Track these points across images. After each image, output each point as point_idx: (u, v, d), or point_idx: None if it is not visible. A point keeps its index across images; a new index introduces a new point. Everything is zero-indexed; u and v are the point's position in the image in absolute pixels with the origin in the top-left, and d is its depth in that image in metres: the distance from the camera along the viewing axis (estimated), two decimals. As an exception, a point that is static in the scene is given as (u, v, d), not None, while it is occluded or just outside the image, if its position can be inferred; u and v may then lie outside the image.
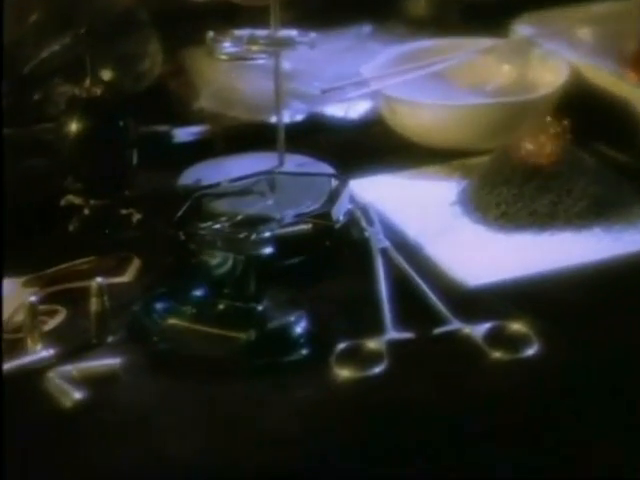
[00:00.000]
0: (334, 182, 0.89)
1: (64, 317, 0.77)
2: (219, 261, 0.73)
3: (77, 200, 0.94)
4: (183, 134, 1.10)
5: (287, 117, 1.07)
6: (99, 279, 0.74)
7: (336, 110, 1.10)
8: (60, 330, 0.76)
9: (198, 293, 0.75)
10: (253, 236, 0.75)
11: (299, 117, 1.09)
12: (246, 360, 0.70)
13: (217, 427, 0.65)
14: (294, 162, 1.03)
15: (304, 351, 0.71)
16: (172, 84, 1.20)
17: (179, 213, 0.83)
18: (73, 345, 0.74)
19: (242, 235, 0.74)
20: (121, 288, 0.81)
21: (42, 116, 1.13)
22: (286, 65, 1.06)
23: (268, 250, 0.72)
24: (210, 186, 0.89)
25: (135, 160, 0.92)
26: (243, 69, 1.15)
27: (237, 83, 1.14)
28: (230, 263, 0.73)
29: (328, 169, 1.02)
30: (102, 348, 0.74)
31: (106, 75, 1.13)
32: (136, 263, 0.85)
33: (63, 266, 0.85)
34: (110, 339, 0.74)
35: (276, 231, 0.81)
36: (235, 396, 0.68)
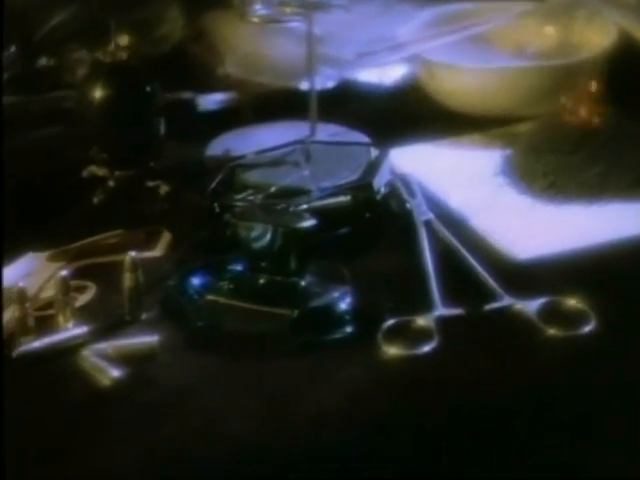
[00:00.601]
0: (373, 152, 0.89)
1: (94, 293, 0.77)
2: (258, 234, 0.72)
3: (100, 171, 0.94)
4: (208, 102, 1.09)
5: (318, 84, 1.06)
6: (133, 253, 0.74)
7: (369, 76, 1.09)
8: (90, 306, 0.75)
9: (236, 268, 0.75)
10: (294, 208, 0.75)
11: (330, 84, 1.08)
12: (290, 337, 0.69)
13: (263, 406, 0.64)
14: (327, 131, 1.01)
15: (350, 328, 0.70)
16: (193, 49, 1.19)
17: (213, 184, 0.83)
18: (105, 322, 0.73)
19: (283, 207, 0.74)
20: (152, 263, 0.80)
21: (57, 83, 1.13)
22: (316, 29, 1.05)
23: (310, 222, 0.71)
24: (243, 156, 0.88)
25: (163, 129, 0.92)
26: (270, 33, 1.14)
27: (264, 48, 1.13)
28: (270, 236, 0.71)
29: (363, 138, 1.01)
30: (136, 325, 0.73)
31: (122, 40, 1.12)
32: (166, 237, 0.84)
33: (89, 240, 0.84)
34: (144, 316, 0.74)
35: (315, 203, 0.81)
36: (280, 374, 0.67)
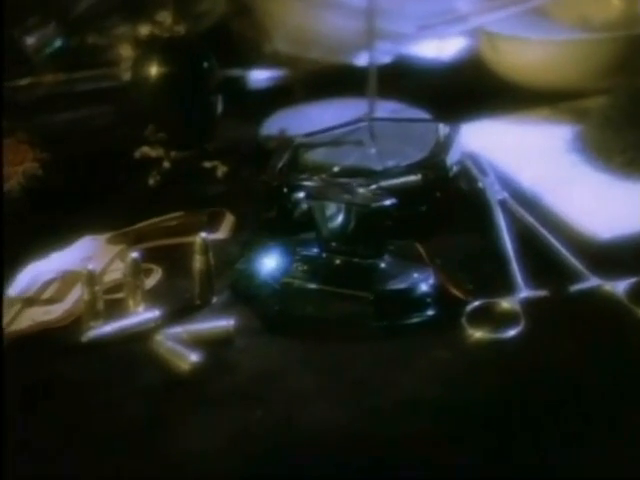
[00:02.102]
0: (442, 129, 0.90)
1: (160, 276, 0.78)
2: (334, 214, 0.73)
3: (154, 152, 0.95)
4: (257, 79, 1.11)
5: (372, 59, 1.07)
6: (203, 234, 0.75)
7: (428, 50, 1.10)
8: (157, 290, 0.76)
9: (308, 249, 0.76)
10: (371, 187, 0.75)
11: (387, 59, 1.08)
12: (371, 321, 0.70)
13: (350, 391, 0.65)
14: (385, 108, 1.02)
15: (433, 310, 0.71)
16: (237, 25, 1.20)
17: (280, 164, 0.83)
18: (175, 306, 0.74)
19: (358, 185, 0.75)
20: (216, 245, 0.80)
21: (99, 61, 1.14)
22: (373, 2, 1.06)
23: (390, 201, 0.72)
24: (305, 135, 0.89)
25: (220, 107, 0.93)
26: (319, 7, 1.15)
27: (314, 23, 1.14)
28: (347, 216, 0.73)
29: (423, 115, 1.02)
30: (207, 309, 0.74)
31: (162, 16, 1.13)
32: (229, 219, 0.85)
33: (149, 222, 0.86)
34: (215, 300, 0.75)
35: (386, 182, 0.82)
36: (364, 358, 0.68)
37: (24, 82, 1.09)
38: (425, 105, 1.02)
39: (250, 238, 0.82)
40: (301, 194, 0.78)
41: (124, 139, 1.00)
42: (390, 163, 0.87)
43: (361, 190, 0.74)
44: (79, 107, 1.08)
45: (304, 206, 0.80)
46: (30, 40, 1.08)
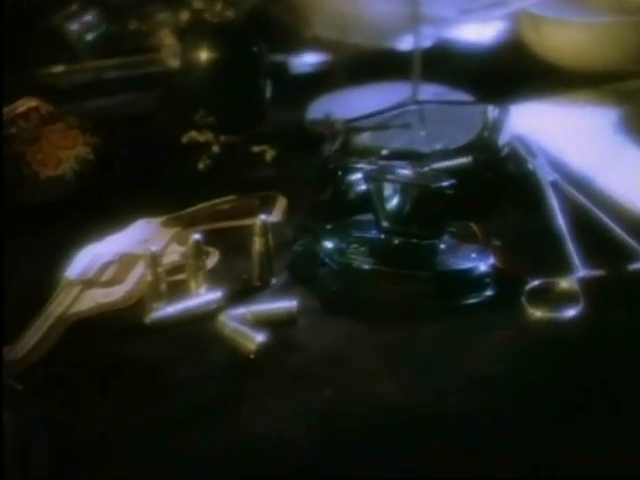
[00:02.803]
0: (491, 111, 0.90)
1: (217, 258, 0.78)
2: (392, 195, 0.73)
3: (202, 137, 0.95)
4: (298, 64, 1.11)
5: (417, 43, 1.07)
6: (263, 217, 0.75)
7: (469, 34, 1.10)
8: (216, 272, 0.76)
9: (365, 230, 0.77)
10: (427, 168, 0.76)
11: (429, 43, 1.09)
12: (431, 300, 0.71)
13: (412, 368, 0.66)
14: (428, 92, 1.03)
15: (492, 290, 0.71)
16: (274, 11, 1.21)
17: (335, 147, 0.84)
18: (234, 288, 0.74)
19: (415, 166, 0.75)
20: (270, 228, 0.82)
21: (139, 47, 1.14)
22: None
23: (449, 181, 0.72)
24: (355, 119, 0.89)
25: (269, 92, 0.93)
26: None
27: (354, 8, 1.14)
28: (405, 196, 0.73)
29: (466, 98, 1.02)
30: (267, 291, 0.75)
31: (196, 3, 1.13)
32: (282, 202, 0.85)
33: (203, 206, 0.86)
34: (274, 281, 0.76)
35: (437, 164, 0.82)
36: (426, 337, 0.68)
37: (66, 68, 1.10)
38: (467, 88, 1.02)
39: (305, 220, 0.83)
40: (358, 176, 0.79)
41: (169, 124, 1.01)
42: (438, 146, 0.87)
43: (419, 171, 0.74)
44: (121, 93, 1.09)
45: (359, 188, 0.81)
46: (73, 26, 1.09)
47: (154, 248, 0.73)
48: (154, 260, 0.72)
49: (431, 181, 0.73)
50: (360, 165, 0.79)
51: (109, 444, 0.61)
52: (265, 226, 0.75)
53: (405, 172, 0.75)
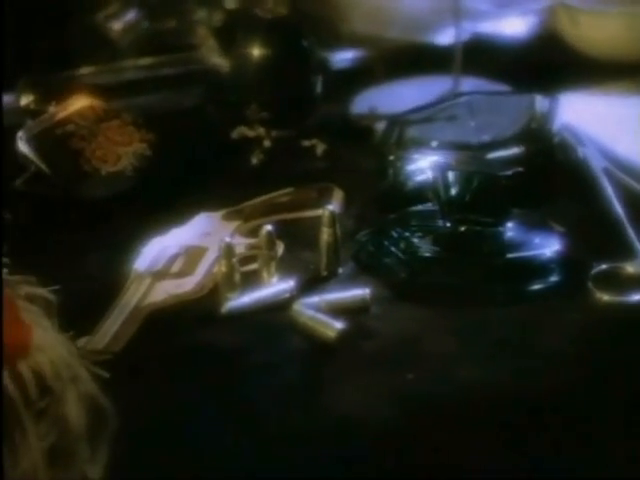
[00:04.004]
0: (540, 101, 0.91)
1: (282, 249, 0.80)
2: (456, 183, 0.75)
3: (251, 132, 0.96)
4: (337, 59, 1.12)
5: (451, 37, 1.09)
6: (331, 207, 0.76)
7: (505, 26, 1.12)
8: (283, 262, 0.77)
9: (429, 219, 0.78)
10: (490, 156, 0.77)
11: (466, 36, 1.10)
12: (499, 286, 0.72)
13: (489, 351, 0.67)
14: (468, 85, 1.04)
15: (559, 275, 0.73)
16: (308, 6, 1.22)
17: (393, 139, 0.85)
18: (302, 277, 0.75)
19: (476, 155, 0.76)
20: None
21: (179, 44, 1.15)
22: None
23: (514, 169, 0.74)
24: (407, 112, 0.90)
25: (320, 87, 0.94)
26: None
27: (390, 2, 1.15)
28: (471, 185, 0.74)
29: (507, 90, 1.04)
30: (335, 280, 0.76)
31: (229, 3, 1.14)
32: (338, 194, 0.87)
33: (261, 199, 0.87)
34: (340, 270, 0.77)
35: (491, 153, 0.84)
36: (497, 321, 0.70)
37: (108, 66, 1.11)
38: (505, 80, 1.04)
39: (362, 211, 0.84)
40: (417, 166, 0.80)
41: (215, 120, 1.02)
42: (487, 137, 0.89)
43: (482, 160, 0.76)
44: (164, 90, 1.10)
45: (417, 178, 0.83)
46: (115, 25, 1.10)
47: (228, 239, 0.75)
48: (229, 251, 0.73)
49: (497, 169, 0.74)
50: (420, 155, 0.81)
51: (191, 429, 0.63)
52: (333, 216, 0.76)
53: (468, 160, 0.76)
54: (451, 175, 0.75)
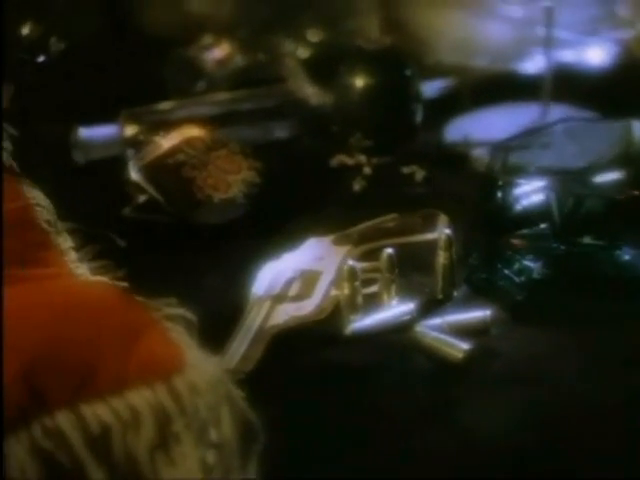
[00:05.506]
0: (635, 126, 0.92)
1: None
2: (571, 206, 0.76)
3: (351, 160, 0.99)
4: (426, 89, 1.14)
5: (535, 65, 1.11)
6: (447, 231, 0.78)
7: (587, 55, 1.14)
8: (399, 285, 0.78)
9: (540, 241, 0.79)
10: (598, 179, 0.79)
11: (550, 64, 1.12)
12: (617, 306, 0.73)
13: (616, 370, 0.68)
14: (556, 112, 1.06)
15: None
16: (389, 40, 1.24)
17: (498, 166, 0.87)
18: (420, 300, 0.77)
19: (585, 178, 0.78)
20: (432, 244, 0.84)
21: (268, 77, 1.18)
22: (522, 12, 1.10)
23: (629, 193, 0.75)
24: (508, 139, 0.92)
25: (420, 115, 0.96)
26: (477, 17, 1.18)
27: (475, 32, 1.18)
28: (586, 207, 0.76)
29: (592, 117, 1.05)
30: (450, 302, 0.78)
31: (314, 36, 1.17)
32: (443, 219, 0.88)
33: (368, 224, 0.89)
34: (455, 293, 0.79)
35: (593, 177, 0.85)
36: (621, 340, 0.71)
37: (202, 99, 1.14)
38: (591, 107, 1.06)
39: (475, 235, 0.86)
40: (522, 190, 0.82)
41: (312, 149, 1.04)
42: (584, 162, 0.91)
43: (594, 183, 0.77)
44: (258, 121, 1.13)
45: (524, 202, 0.84)
46: (209, 57, 1.13)
47: (351, 263, 0.77)
48: (352, 274, 0.75)
49: (611, 192, 0.76)
50: (526, 180, 0.83)
51: (335, 445, 0.64)
52: (450, 240, 0.78)
53: (581, 184, 0.78)
54: (565, 198, 0.77)
